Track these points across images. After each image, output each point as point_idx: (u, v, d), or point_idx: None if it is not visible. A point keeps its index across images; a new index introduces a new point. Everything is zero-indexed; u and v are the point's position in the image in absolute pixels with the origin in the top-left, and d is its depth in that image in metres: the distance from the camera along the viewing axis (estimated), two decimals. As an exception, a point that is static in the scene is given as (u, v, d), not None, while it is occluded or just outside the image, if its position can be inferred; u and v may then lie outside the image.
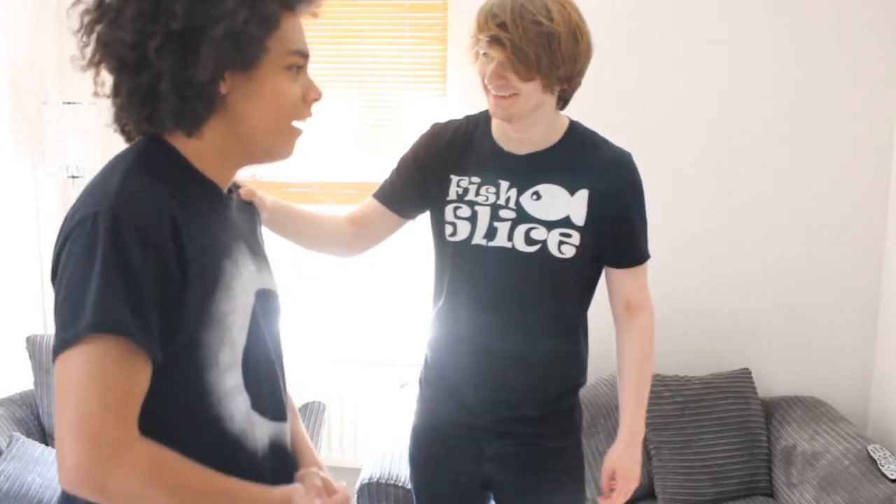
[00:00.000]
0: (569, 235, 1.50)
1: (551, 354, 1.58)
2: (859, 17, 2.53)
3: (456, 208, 1.56)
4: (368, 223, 1.64)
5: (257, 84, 0.99)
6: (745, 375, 2.53)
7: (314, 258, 2.83)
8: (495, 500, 1.69)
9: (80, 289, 0.86)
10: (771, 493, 2.42)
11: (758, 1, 2.58)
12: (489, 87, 1.45)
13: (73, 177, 2.75)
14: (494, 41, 1.38)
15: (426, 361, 1.68)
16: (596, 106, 2.60)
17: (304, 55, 1.04)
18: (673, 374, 2.53)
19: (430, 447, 1.68)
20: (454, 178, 1.57)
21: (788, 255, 2.65)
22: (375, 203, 1.64)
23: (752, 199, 2.65)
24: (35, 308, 2.88)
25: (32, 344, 2.56)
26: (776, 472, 2.40)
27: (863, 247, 2.62)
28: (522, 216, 1.51)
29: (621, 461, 1.56)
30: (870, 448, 2.20)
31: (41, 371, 2.53)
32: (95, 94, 1.01)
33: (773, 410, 2.53)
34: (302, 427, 1.24)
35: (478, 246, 1.53)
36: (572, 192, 1.51)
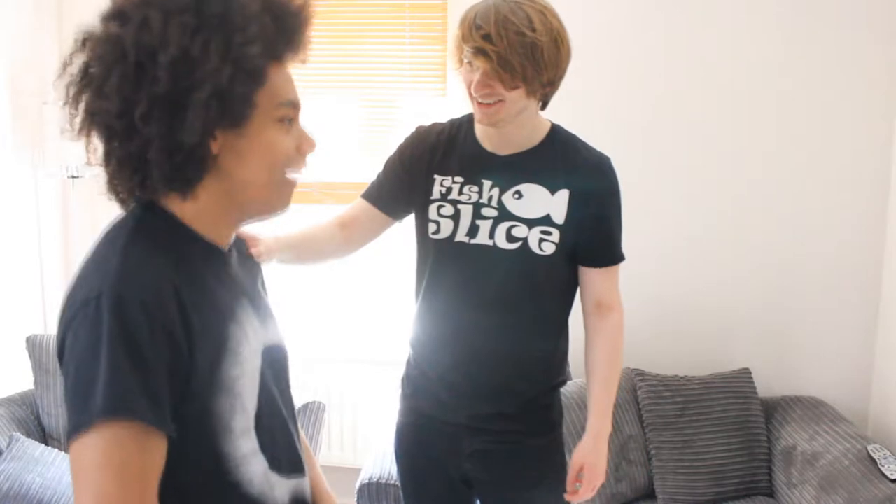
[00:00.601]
0: (549, 233, 1.53)
1: (531, 353, 1.60)
2: (860, 18, 2.53)
3: (439, 207, 1.59)
4: (359, 224, 1.67)
5: (248, 140, 0.97)
6: (745, 375, 2.53)
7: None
8: (478, 497, 1.71)
9: (89, 373, 0.86)
10: (771, 494, 2.42)
11: (759, 2, 2.58)
12: (474, 95, 1.47)
13: (73, 177, 2.75)
14: (480, 52, 1.40)
15: (408, 360, 1.71)
16: (598, 107, 2.61)
17: (296, 106, 1.02)
18: (673, 374, 2.54)
19: (412, 444, 1.70)
20: (437, 178, 1.60)
21: (789, 255, 2.65)
22: (365, 204, 1.68)
23: (753, 200, 2.65)
24: (35, 308, 2.88)
25: (32, 344, 2.56)
26: (776, 472, 2.40)
27: (863, 247, 2.62)
28: (504, 214, 1.54)
29: (589, 457, 1.58)
30: (870, 448, 2.20)
31: (41, 371, 2.52)
32: (89, 162, 0.99)
33: (773, 410, 2.53)
34: (319, 472, 1.24)
35: (460, 243, 1.56)
36: (553, 191, 1.54)
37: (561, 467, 1.68)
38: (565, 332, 1.66)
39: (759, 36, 2.59)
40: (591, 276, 1.61)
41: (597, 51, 2.58)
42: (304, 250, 1.61)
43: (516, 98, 1.45)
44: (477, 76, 1.43)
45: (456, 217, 1.57)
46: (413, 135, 1.68)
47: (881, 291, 2.61)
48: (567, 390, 1.72)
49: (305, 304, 2.95)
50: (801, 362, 2.69)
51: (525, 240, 1.53)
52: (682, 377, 2.52)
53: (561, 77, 1.50)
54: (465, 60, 1.45)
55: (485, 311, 1.56)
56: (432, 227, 1.59)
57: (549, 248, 1.53)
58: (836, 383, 2.66)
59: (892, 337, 2.55)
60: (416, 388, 1.68)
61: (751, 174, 2.64)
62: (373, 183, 1.70)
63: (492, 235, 1.54)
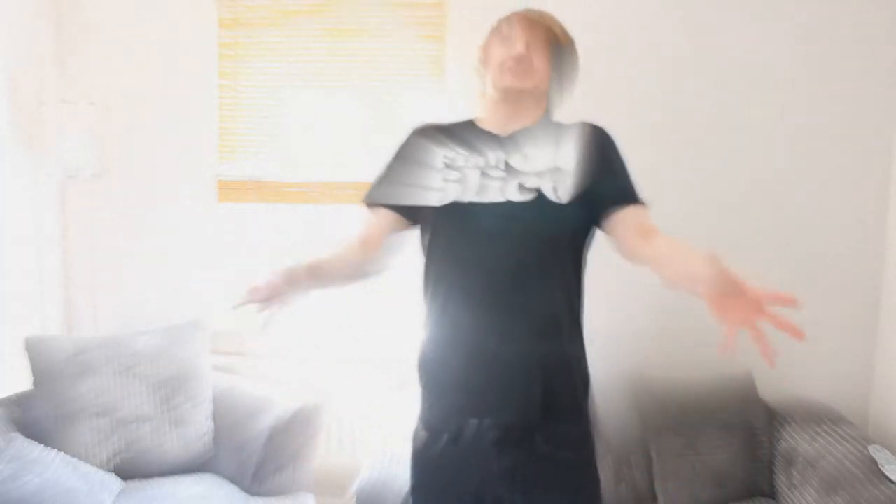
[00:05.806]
0: (563, 180, 1.51)
1: (559, 339, 1.50)
2: (861, 19, 2.53)
3: (444, 175, 1.57)
4: (381, 234, 1.62)
5: None
6: (746, 377, 2.52)
7: (311, 256, 2.83)
8: None
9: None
10: (772, 495, 2.41)
11: (760, 3, 2.58)
12: (513, 65, 1.57)
13: (73, 177, 2.75)
14: (527, 19, 1.60)
15: (422, 383, 1.58)
16: (603, 109, 2.60)
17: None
18: (674, 375, 2.53)
19: (435, 473, 1.57)
20: (440, 153, 1.61)
21: (789, 255, 2.64)
22: (377, 213, 1.64)
23: (753, 200, 2.64)
24: (34, 309, 2.88)
25: (31, 344, 2.55)
26: (778, 473, 2.40)
27: (863, 247, 2.62)
28: (513, 172, 1.54)
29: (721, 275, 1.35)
30: (871, 449, 2.19)
31: (40, 372, 2.52)
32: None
33: (775, 412, 2.52)
34: None
35: (470, 204, 1.50)
36: (558, 147, 1.57)
37: (596, 482, 1.56)
38: (581, 327, 1.55)
39: (760, 37, 2.59)
40: (621, 217, 1.51)
41: (598, 51, 2.57)
42: (338, 280, 1.59)
43: (542, 73, 1.59)
44: (520, 45, 1.57)
45: (463, 180, 1.53)
46: (408, 134, 1.70)
47: (881, 292, 2.61)
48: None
49: (304, 304, 2.94)
50: (802, 363, 2.68)
51: (539, 189, 1.49)
52: (683, 379, 2.51)
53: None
54: (505, 29, 1.60)
55: (505, 287, 1.45)
56: (437, 195, 1.53)
57: (565, 195, 1.49)
58: (836, 384, 2.65)
59: (893, 337, 2.55)
60: (436, 398, 1.54)
61: (751, 176, 2.64)
62: (378, 192, 1.65)
63: (504, 191, 1.49)
